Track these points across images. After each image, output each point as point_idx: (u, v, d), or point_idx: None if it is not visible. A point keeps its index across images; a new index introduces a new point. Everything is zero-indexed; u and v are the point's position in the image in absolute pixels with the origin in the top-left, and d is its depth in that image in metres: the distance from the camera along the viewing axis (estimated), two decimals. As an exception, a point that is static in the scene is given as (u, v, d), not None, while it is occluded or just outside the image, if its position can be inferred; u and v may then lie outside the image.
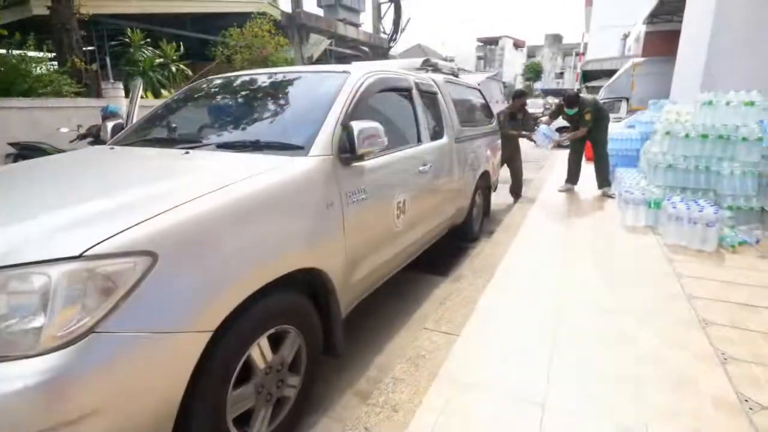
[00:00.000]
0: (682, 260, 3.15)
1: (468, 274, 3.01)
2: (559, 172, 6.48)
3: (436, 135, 3.18)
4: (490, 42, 60.09)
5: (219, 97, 2.56)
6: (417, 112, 2.88)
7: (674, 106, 4.59)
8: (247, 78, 2.62)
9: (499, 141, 5.09)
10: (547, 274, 2.93)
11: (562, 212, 4.64)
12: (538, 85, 54.97)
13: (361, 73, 2.32)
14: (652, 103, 8.14)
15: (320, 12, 10.59)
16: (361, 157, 1.99)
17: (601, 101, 14.62)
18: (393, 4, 12.89)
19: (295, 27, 9.30)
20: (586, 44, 29.38)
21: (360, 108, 2.20)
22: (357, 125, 1.93)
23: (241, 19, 10.80)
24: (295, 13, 9.17)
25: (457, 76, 4.44)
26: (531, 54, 64.91)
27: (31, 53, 6.60)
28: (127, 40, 8.27)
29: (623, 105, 13.38)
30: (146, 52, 8.14)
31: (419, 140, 2.85)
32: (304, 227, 1.68)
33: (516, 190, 5.97)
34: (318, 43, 14.09)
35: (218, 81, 2.69)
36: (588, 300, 2.55)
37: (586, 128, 5.20)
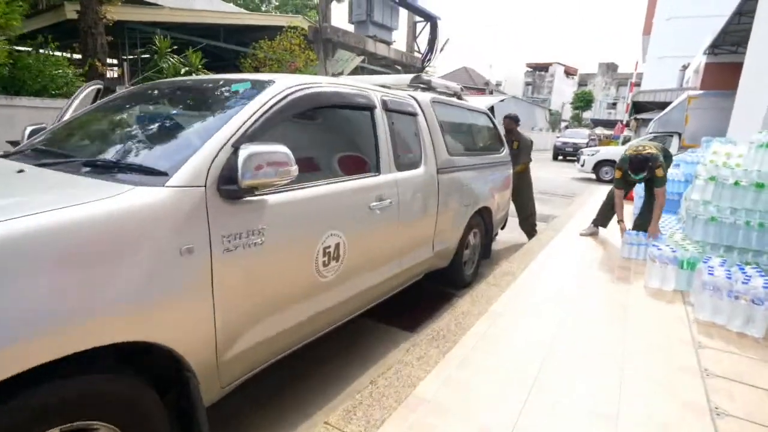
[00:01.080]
0: (715, 348, 2.40)
1: (427, 336, 2.42)
2: (591, 211, 5.72)
3: (408, 164, 2.65)
4: (540, 68, 58.95)
5: (124, 108, 2.17)
6: (378, 135, 2.38)
7: (724, 145, 3.82)
8: (164, 86, 2.23)
9: (510, 173, 4.47)
10: (528, 352, 2.29)
11: (574, 262, 3.93)
12: (587, 115, 53.06)
13: (286, 85, 1.85)
14: (705, 141, 7.25)
15: (351, 28, 10.43)
16: (251, 190, 1.51)
17: (651, 135, 13.56)
18: (429, 24, 12.54)
19: (320, 41, 9.13)
20: (640, 74, 27.95)
21: (274, 127, 1.73)
22: (246, 149, 1.45)
23: (272, 32, 10.83)
24: (321, 27, 9.02)
25: (460, 97, 3.92)
26: (582, 82, 63.06)
27: (56, 54, 6.74)
28: (155, 47, 8.35)
29: (674, 141, 12.23)
30: (171, 59, 8.17)
31: (377, 170, 2.34)
32: (131, 282, 1.21)
33: (527, 228, 5.28)
34: (349, 60, 13.96)
35: (134, 89, 2.32)
36: (572, 406, 1.90)
37: (663, 187, 4.26)
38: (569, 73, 61.62)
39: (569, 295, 3.10)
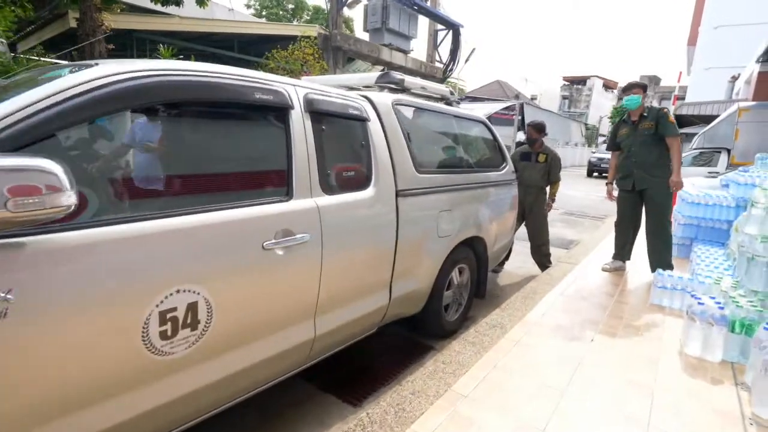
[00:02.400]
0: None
1: (374, 416, 1.73)
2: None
3: (345, 185, 2.00)
4: (577, 81, 57.14)
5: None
6: (293, 145, 1.73)
7: None
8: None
9: (514, 193, 3.73)
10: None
11: (587, 310, 3.11)
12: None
13: (112, 71, 1.25)
14: (760, 158, 6.19)
15: (366, 36, 9.96)
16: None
17: (695, 152, 12.27)
18: (451, 32, 11.95)
19: (330, 49, 8.70)
20: (684, 87, 26.28)
21: (63, 130, 1.13)
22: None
23: (287, 42, 10.52)
24: (332, 34, 8.58)
25: (450, 103, 3.24)
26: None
27: (44, 58, 6.57)
28: (158, 56, 8.13)
29: (722, 157, 10.97)
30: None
31: (288, 193, 1.70)
32: None
33: (539, 258, 4.47)
34: (365, 70, 13.53)
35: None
36: None
37: (678, 137, 3.56)
38: (608, 86, 59.45)
39: (571, 368, 2.31)
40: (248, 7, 26.59)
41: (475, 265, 3.20)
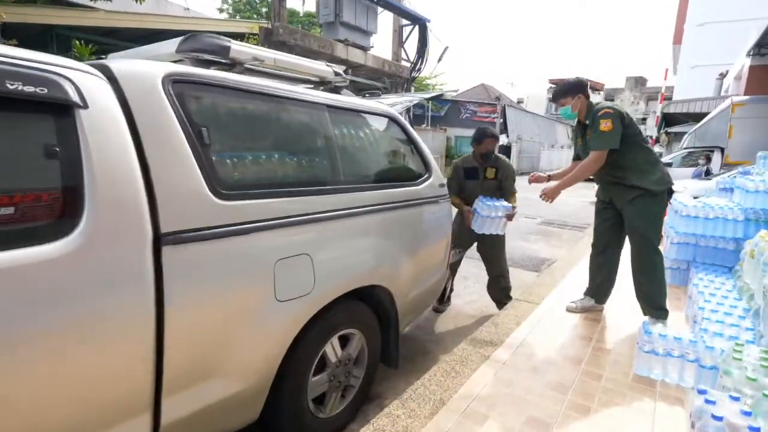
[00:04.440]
0: None
1: None
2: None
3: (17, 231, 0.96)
4: (563, 84, 56.85)
5: None
6: None
7: None
8: None
9: (442, 213, 2.70)
10: None
11: (542, 396, 2.08)
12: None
13: None
14: (762, 157, 5.25)
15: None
16: None
17: (685, 152, 11.40)
18: (418, 28, 11.00)
19: (273, 45, 7.68)
20: (670, 87, 25.71)
21: None
22: None
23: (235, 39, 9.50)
24: (273, 27, 7.57)
25: (336, 90, 2.23)
26: (609, 97, 60.45)
27: None
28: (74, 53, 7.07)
29: (716, 157, 10.09)
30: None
31: None
32: None
33: (496, 293, 3.46)
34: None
35: None
36: None
37: (599, 153, 2.58)
38: (595, 88, 59.22)
39: None
40: (221, 11, 25.55)
41: (377, 327, 2.16)
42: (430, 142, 14.59)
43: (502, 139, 23.42)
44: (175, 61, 1.66)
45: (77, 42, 7.21)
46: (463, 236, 3.35)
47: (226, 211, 1.38)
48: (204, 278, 1.32)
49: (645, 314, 2.73)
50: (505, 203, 3.18)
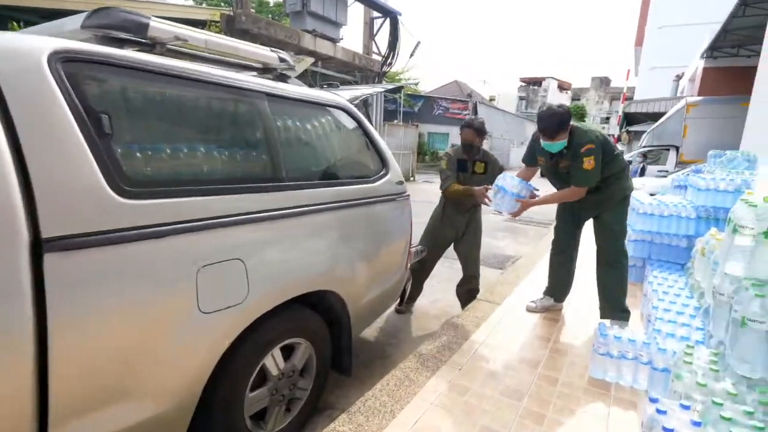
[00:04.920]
0: None
1: None
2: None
3: None
4: (534, 82, 58.14)
5: None
6: None
7: None
8: None
9: (402, 212, 2.58)
10: None
11: (498, 404, 2.00)
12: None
13: None
14: (712, 155, 5.42)
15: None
16: None
17: (644, 150, 11.78)
18: (389, 21, 10.84)
19: (235, 33, 7.34)
20: (632, 88, 26.66)
21: None
22: None
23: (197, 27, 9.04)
24: (236, 14, 7.23)
25: (283, 78, 2.07)
26: (576, 96, 62.38)
27: None
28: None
29: (671, 155, 10.46)
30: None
31: None
32: None
33: (465, 294, 3.38)
34: (295, 63, 12.20)
35: None
36: None
37: (582, 188, 2.57)
38: (563, 87, 60.93)
39: None
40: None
41: (326, 334, 2.02)
42: (402, 138, 14.48)
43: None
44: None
45: (14, 23, 6.66)
46: (444, 234, 3.24)
47: (133, 212, 1.20)
48: (103, 290, 1.14)
49: (605, 317, 2.70)
50: (529, 184, 2.91)
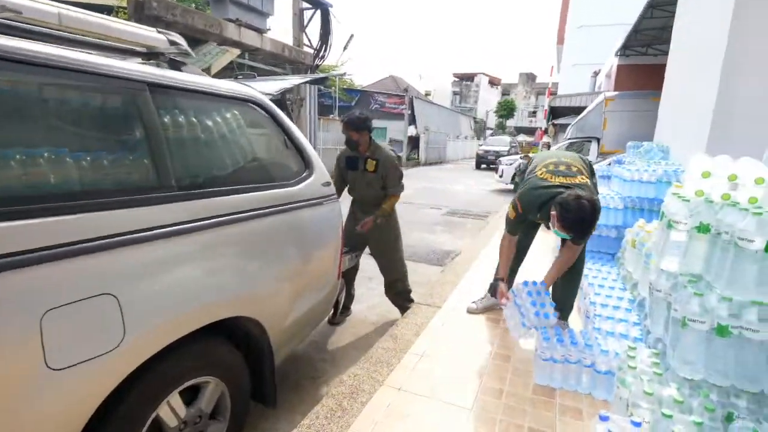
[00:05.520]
0: None
1: None
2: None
3: None
4: (466, 78, 59.97)
5: None
6: None
7: (718, 162, 1.88)
8: None
9: (330, 216, 2.32)
10: None
11: (450, 411, 1.82)
12: (510, 123, 54.52)
13: None
14: (631, 146, 5.73)
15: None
16: None
17: (567, 142, 12.43)
18: (320, 12, 10.42)
19: (145, 20, 6.61)
20: (556, 83, 28.30)
21: None
22: None
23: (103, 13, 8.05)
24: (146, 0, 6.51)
25: (176, 66, 1.72)
26: (505, 91, 65.28)
27: None
28: None
29: (593, 147, 11.11)
30: None
31: None
32: None
33: (394, 298, 3.20)
34: (218, 54, 11.40)
35: None
36: None
37: (582, 245, 2.36)
38: (493, 83, 63.48)
39: None
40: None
41: (242, 366, 1.72)
42: (338, 132, 14.16)
43: (411, 130, 23.81)
44: None
45: None
46: (354, 238, 3.01)
47: None
48: None
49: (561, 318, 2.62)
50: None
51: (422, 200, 9.91)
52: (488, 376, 2.11)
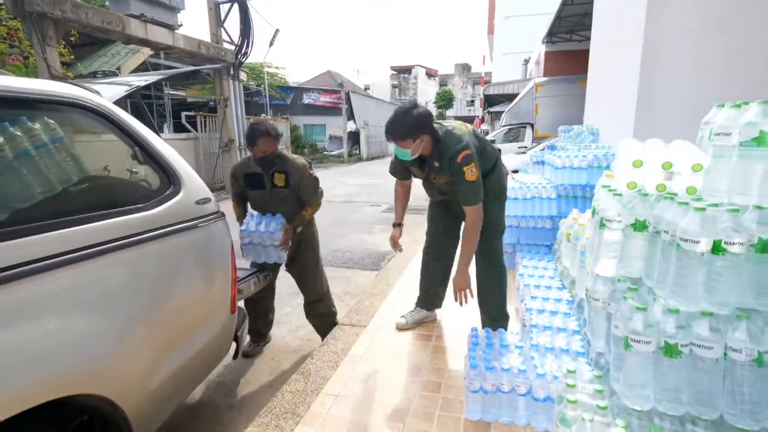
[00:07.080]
0: None
1: None
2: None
3: None
4: (404, 71, 60.27)
5: None
6: None
7: (649, 147, 1.65)
8: None
9: (203, 244, 1.86)
10: None
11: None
12: (450, 113, 55.58)
13: None
14: (563, 131, 5.68)
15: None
16: None
17: (505, 129, 12.59)
18: (237, 5, 9.66)
19: (29, 19, 5.64)
20: (489, 73, 28.97)
21: None
22: None
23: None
24: (26, -7, 5.50)
25: None
26: (443, 82, 66.42)
27: None
28: None
29: (528, 132, 11.29)
30: None
31: None
32: None
33: (314, 320, 2.81)
34: (128, 54, 10.30)
35: None
36: None
37: (477, 206, 2.08)
38: (430, 74, 64.30)
39: None
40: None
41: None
42: (272, 133, 13.37)
43: (350, 126, 23.34)
44: None
45: None
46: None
47: None
48: None
49: (485, 325, 2.37)
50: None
51: (362, 198, 9.54)
52: (413, 416, 1.78)
